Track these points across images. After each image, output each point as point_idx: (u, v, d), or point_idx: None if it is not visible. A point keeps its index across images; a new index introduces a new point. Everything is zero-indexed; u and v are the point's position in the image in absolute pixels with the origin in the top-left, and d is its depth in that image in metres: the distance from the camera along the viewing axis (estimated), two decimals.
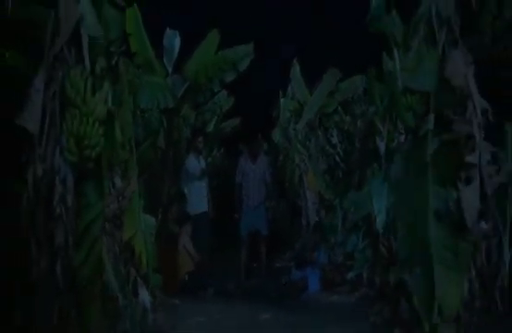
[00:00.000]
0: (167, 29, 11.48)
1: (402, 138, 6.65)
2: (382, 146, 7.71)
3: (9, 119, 5.10)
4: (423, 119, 5.11)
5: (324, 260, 10.81)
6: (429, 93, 5.10)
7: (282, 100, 15.18)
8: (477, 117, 4.94)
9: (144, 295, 7.48)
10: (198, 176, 11.20)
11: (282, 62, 15.69)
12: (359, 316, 7.81)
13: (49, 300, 5.34)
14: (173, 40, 11.36)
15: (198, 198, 11.22)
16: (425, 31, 5.19)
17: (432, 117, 5.00)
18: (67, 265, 5.38)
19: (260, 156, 12.25)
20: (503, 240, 5.06)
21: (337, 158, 14.71)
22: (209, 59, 11.31)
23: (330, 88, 13.67)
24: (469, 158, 4.83)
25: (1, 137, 5.22)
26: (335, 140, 14.80)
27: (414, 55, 5.17)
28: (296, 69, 15.09)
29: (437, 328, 4.75)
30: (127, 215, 7.01)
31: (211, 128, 16.84)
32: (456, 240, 4.76)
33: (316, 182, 13.31)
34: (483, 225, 4.87)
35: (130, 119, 7.31)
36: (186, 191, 11.26)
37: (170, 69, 11.31)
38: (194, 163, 11.33)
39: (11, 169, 5.23)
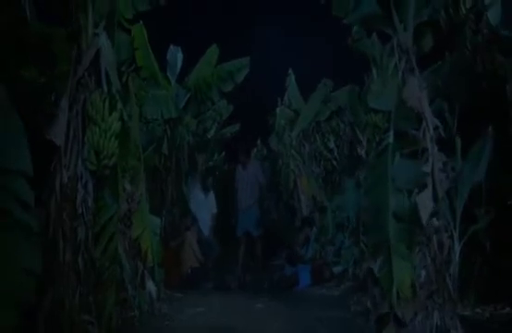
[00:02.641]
0: (171, 45, 12.44)
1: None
2: (362, 153, 8.66)
3: (40, 134, 6.09)
4: (385, 134, 6.10)
5: (314, 256, 11.64)
6: (390, 113, 6.09)
7: (278, 109, 15.96)
8: (430, 132, 5.93)
9: (151, 287, 8.40)
10: (206, 206, 12.11)
11: (278, 71, 16.41)
12: (343, 306, 8.61)
13: (72, 286, 6.27)
14: (176, 55, 12.32)
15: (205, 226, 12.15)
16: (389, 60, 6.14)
17: (392, 132, 5.98)
18: (87, 257, 6.35)
19: (249, 163, 12.97)
20: (453, 234, 6.01)
21: (334, 162, 15.66)
22: (209, 72, 12.30)
23: (323, 97, 14.61)
24: (424, 168, 5.82)
25: (33, 149, 6.16)
26: (331, 144, 15.72)
27: (379, 79, 6.15)
28: (291, 79, 15.99)
29: (397, 306, 5.75)
30: (135, 215, 7.97)
31: (211, 134, 17.65)
32: (410, 236, 5.77)
33: (309, 186, 14.24)
34: (435, 222, 5.85)
35: (138, 130, 8.26)
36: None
37: (173, 82, 12.26)
38: (200, 196, 12.32)
39: (42, 176, 6.18)
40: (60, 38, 6.40)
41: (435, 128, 5.93)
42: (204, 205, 12.13)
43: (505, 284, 6.52)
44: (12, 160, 4.14)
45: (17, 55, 6.54)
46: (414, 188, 5.84)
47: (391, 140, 5.92)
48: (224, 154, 20.99)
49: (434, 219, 5.77)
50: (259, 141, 20.48)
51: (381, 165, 5.94)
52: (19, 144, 4.22)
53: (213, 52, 12.69)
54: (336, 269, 10.52)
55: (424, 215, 5.68)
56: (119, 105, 6.34)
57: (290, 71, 15.99)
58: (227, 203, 14.36)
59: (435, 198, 5.83)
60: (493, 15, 8.35)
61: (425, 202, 5.70)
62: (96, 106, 6.17)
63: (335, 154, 15.62)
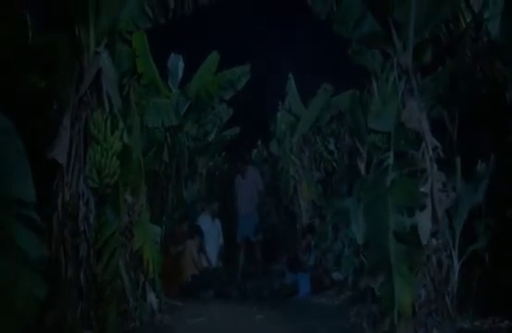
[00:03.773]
0: (172, 53, 12.47)
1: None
2: (362, 167, 8.69)
3: (42, 152, 6.14)
4: (385, 155, 6.15)
5: (315, 263, 11.69)
6: (389, 133, 6.13)
7: (278, 114, 15.98)
8: (429, 153, 5.98)
9: (152, 298, 8.45)
10: (213, 236, 12.12)
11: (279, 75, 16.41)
12: (343, 316, 8.63)
13: (74, 302, 6.34)
14: (177, 63, 12.36)
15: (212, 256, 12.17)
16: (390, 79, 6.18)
17: (391, 153, 6.03)
18: (89, 272, 6.40)
19: (248, 171, 13.14)
20: (452, 253, 6.06)
21: (334, 164, 15.70)
22: (209, 79, 12.34)
23: (324, 102, 14.62)
24: (423, 188, 5.88)
25: (35, 167, 6.21)
26: (332, 146, 15.76)
27: (379, 99, 6.20)
28: (291, 83, 15.99)
29: (397, 325, 5.80)
30: (136, 227, 8.01)
31: (212, 137, 17.66)
32: (410, 256, 5.82)
33: (309, 191, 14.28)
34: (434, 242, 5.90)
35: (140, 143, 8.29)
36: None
37: (174, 90, 12.30)
38: (208, 223, 12.24)
39: (44, 194, 6.23)
40: (61, 45, 6.42)
41: (434, 148, 5.96)
42: (211, 236, 12.11)
43: (503, 297, 6.55)
44: (16, 189, 4.16)
45: (17, 59, 6.55)
46: (414, 208, 5.88)
47: (391, 160, 5.98)
48: (224, 154, 20.91)
49: (434, 239, 5.80)
50: (259, 142, 20.38)
51: (380, 184, 5.98)
52: (23, 173, 4.25)
53: (213, 58, 12.74)
54: (336, 276, 10.53)
55: (424, 235, 5.73)
56: (121, 124, 6.39)
57: (290, 76, 15.92)
58: (227, 209, 14.43)
59: (435, 218, 5.87)
60: (493, 28, 8.37)
61: (425, 222, 5.75)
62: (98, 125, 6.22)
63: (336, 155, 15.68)
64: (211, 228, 12.13)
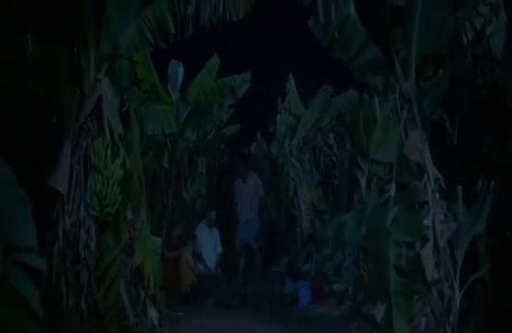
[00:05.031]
0: (172, 60, 12.40)
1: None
2: (363, 182, 8.67)
3: (42, 180, 6.12)
4: (386, 186, 6.13)
5: (315, 271, 11.70)
6: (392, 164, 6.11)
7: (278, 116, 15.91)
8: (431, 185, 5.96)
9: (152, 313, 8.48)
10: (211, 245, 12.10)
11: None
12: (343, 328, 8.68)
13: (75, 328, 6.35)
14: (177, 70, 12.29)
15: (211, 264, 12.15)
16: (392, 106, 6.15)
17: (393, 185, 6.01)
18: (90, 299, 6.41)
19: (249, 175, 13.10)
20: (454, 283, 6.05)
21: (334, 158, 15.72)
22: (210, 85, 12.28)
23: (324, 104, 14.58)
24: (425, 221, 5.86)
25: (35, 195, 6.20)
26: (331, 141, 15.77)
27: (381, 128, 6.16)
28: (291, 84, 15.93)
29: None
30: (137, 243, 8.00)
31: (211, 136, 17.58)
32: (410, 289, 5.82)
33: (309, 194, 14.29)
34: (436, 274, 5.89)
35: (140, 160, 8.26)
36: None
37: (174, 96, 12.24)
38: (205, 232, 12.21)
39: (44, 222, 6.22)
40: (62, 72, 6.40)
41: (436, 179, 5.94)
42: (208, 245, 12.11)
43: (504, 326, 6.55)
44: (17, 237, 4.16)
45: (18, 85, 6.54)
46: (415, 241, 5.87)
47: (392, 192, 5.95)
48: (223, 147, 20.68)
49: (436, 272, 5.79)
50: (258, 135, 20.11)
51: (381, 216, 5.96)
52: (25, 219, 4.24)
53: (213, 62, 12.66)
54: (337, 287, 10.55)
55: (428, 270, 5.74)
56: (122, 152, 6.36)
57: (291, 76, 15.85)
58: (226, 213, 14.40)
59: (436, 249, 5.86)
60: (496, 44, 8.31)
61: (426, 254, 5.74)
62: (99, 154, 6.19)
63: (335, 150, 15.71)
64: (208, 237, 12.11)
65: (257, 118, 18.19)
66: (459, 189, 6.16)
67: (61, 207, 6.22)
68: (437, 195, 5.96)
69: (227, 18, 6.95)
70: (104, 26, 6.56)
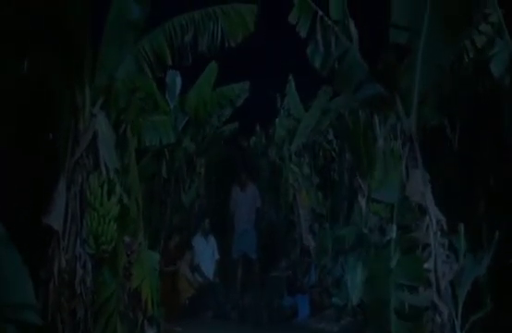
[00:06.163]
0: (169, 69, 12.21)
1: None
2: (363, 203, 8.56)
3: (37, 218, 6.03)
4: (387, 228, 6.03)
5: (314, 284, 11.62)
6: (392, 204, 6.00)
7: (277, 119, 15.74)
8: (433, 228, 5.85)
9: (150, 331, 8.40)
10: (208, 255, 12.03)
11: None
12: None
13: None
14: (174, 79, 12.12)
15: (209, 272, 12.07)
16: (392, 144, 6.04)
17: (394, 226, 5.90)
18: None
19: (249, 185, 13.02)
20: (455, 324, 5.97)
21: (333, 153, 15.57)
22: (208, 95, 12.14)
23: (324, 106, 14.39)
24: (427, 264, 5.77)
25: (30, 233, 6.12)
26: (330, 136, 15.61)
27: (381, 167, 6.05)
28: (291, 85, 15.73)
29: None
30: (135, 266, 7.91)
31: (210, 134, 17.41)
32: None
33: (308, 199, 14.16)
34: (438, 319, 5.81)
35: (138, 182, 8.13)
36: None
37: (172, 106, 12.08)
38: (202, 243, 12.12)
39: (39, 260, 6.14)
40: (59, 106, 6.30)
41: (438, 221, 5.84)
42: (206, 254, 12.02)
43: None
44: (16, 294, 4.08)
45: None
46: (417, 285, 5.78)
47: (393, 234, 5.85)
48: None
49: (437, 315, 5.71)
50: (258, 128, 19.84)
51: (383, 259, 5.87)
52: (21, 276, 4.16)
53: (212, 69, 12.51)
54: (336, 301, 10.46)
55: (430, 312, 5.66)
56: (118, 189, 6.25)
57: (291, 77, 15.66)
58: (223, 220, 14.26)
59: (438, 291, 5.78)
60: (498, 64, 8.20)
61: (429, 298, 5.66)
62: (94, 192, 6.09)
63: (334, 145, 15.56)
64: (205, 247, 12.06)
65: (256, 115, 18.04)
66: (461, 227, 6.06)
67: (56, 244, 6.11)
68: (439, 235, 5.84)
69: (226, 45, 6.79)
70: (100, 58, 6.42)
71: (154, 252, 9.25)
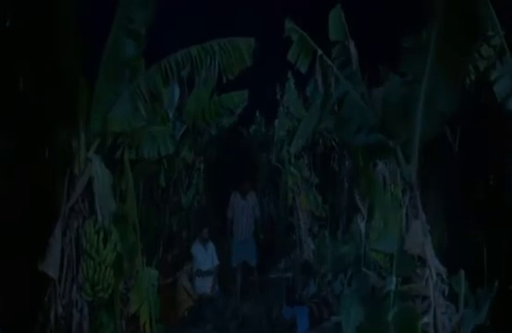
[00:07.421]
0: None
1: None
2: (362, 226, 8.48)
3: (33, 265, 5.98)
4: (387, 278, 5.95)
5: (313, 296, 11.58)
6: (392, 255, 5.92)
7: (276, 121, 15.60)
8: (433, 280, 5.78)
9: None
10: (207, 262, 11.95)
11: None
12: None
13: None
14: (173, 90, 11.92)
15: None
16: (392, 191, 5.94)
17: (394, 278, 5.83)
18: None
19: (249, 193, 12.96)
20: None
21: (333, 142, 15.48)
22: (206, 103, 11.95)
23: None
24: (426, 318, 5.69)
25: (25, 281, 6.07)
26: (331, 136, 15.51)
27: (381, 216, 5.96)
28: (290, 83, 15.55)
29: None
30: (132, 291, 7.87)
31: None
32: None
33: (308, 202, 14.11)
34: None
35: (135, 206, 8.06)
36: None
37: (171, 116, 11.91)
38: (201, 252, 12.01)
39: (35, 307, 6.10)
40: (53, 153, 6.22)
41: (438, 274, 5.77)
42: (205, 262, 11.97)
43: None
44: None
45: None
46: None
47: (393, 286, 5.78)
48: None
49: None
50: (257, 114, 19.55)
51: (381, 312, 5.80)
52: None
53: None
54: (336, 319, 10.42)
55: None
56: (114, 235, 6.18)
57: (290, 75, 15.45)
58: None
59: None
60: (501, 88, 8.09)
61: None
62: (90, 239, 6.04)
63: (335, 135, 15.45)
64: (205, 255, 12.00)
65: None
66: (462, 272, 5.99)
67: (53, 291, 6.07)
68: (439, 283, 5.78)
69: (224, 80, 6.68)
70: (95, 100, 6.30)
71: (152, 268, 9.21)
